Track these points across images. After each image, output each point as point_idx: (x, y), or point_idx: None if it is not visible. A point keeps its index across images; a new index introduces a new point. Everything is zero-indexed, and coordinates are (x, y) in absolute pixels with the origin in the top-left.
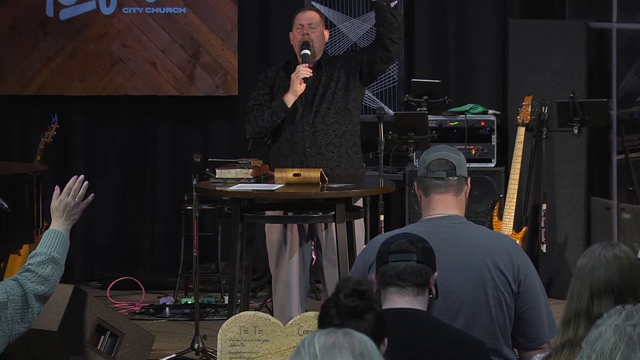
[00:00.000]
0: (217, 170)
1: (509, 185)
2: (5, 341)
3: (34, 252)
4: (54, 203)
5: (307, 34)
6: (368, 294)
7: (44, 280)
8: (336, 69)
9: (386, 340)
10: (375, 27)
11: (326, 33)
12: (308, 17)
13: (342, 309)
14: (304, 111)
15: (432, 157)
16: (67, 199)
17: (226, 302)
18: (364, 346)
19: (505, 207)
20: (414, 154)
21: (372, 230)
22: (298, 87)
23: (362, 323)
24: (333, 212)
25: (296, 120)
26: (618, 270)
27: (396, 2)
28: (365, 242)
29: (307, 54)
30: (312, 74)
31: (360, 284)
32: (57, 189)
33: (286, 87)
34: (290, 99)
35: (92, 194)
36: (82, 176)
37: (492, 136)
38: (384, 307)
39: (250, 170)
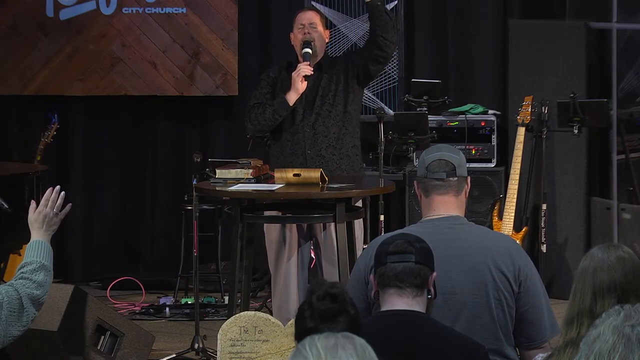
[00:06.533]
0: (217, 171)
1: (509, 185)
2: None
3: (23, 262)
4: (32, 215)
5: (309, 33)
6: (341, 296)
7: (39, 286)
8: (336, 71)
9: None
10: (370, 27)
11: (327, 33)
12: (309, 17)
13: (315, 311)
14: (304, 113)
15: (432, 158)
16: (45, 210)
17: (226, 302)
18: (366, 348)
19: (505, 207)
20: (414, 154)
21: (372, 231)
22: (300, 85)
23: (335, 326)
24: (333, 212)
25: (297, 122)
26: (622, 271)
27: (396, 2)
28: (365, 242)
29: (308, 52)
30: (313, 72)
31: (333, 287)
32: (32, 203)
33: (288, 86)
34: (292, 97)
35: (70, 204)
36: (58, 187)
37: (492, 136)
38: (383, 308)
39: (250, 171)
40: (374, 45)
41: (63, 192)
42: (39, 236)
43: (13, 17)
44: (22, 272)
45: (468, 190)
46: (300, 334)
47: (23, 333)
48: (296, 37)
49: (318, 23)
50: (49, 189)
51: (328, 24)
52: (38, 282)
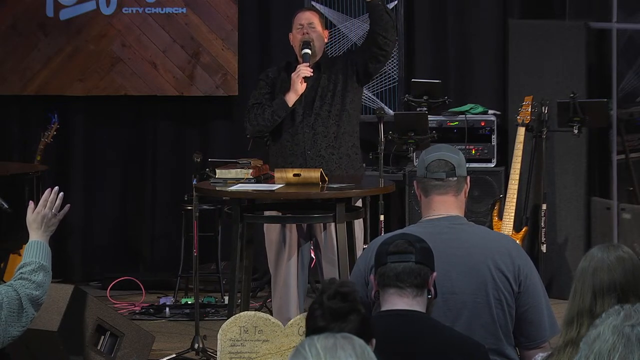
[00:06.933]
0: (217, 171)
1: (509, 185)
2: None
3: (22, 262)
4: (31, 216)
5: (307, 33)
6: (351, 295)
7: (38, 286)
8: (335, 70)
9: (374, 341)
10: (370, 26)
11: (325, 33)
12: (308, 17)
13: (326, 310)
14: (304, 113)
15: (431, 158)
16: (44, 211)
17: (226, 302)
18: (365, 348)
19: (505, 207)
20: (414, 154)
21: (372, 231)
22: (299, 86)
23: (345, 325)
24: (333, 212)
25: (296, 122)
26: (622, 271)
27: (396, 2)
28: (365, 242)
29: (307, 53)
30: (312, 73)
31: (343, 286)
32: (31, 203)
33: (287, 87)
34: (291, 98)
35: (68, 205)
36: (56, 188)
37: (492, 136)
38: (383, 308)
39: (250, 171)
40: (373, 44)
41: (62, 193)
42: (37, 237)
43: (13, 17)
44: (21, 273)
45: (468, 190)
46: (311, 334)
47: (22, 333)
48: (295, 38)
49: (317, 23)
50: (48, 190)
51: (328, 24)
52: (37, 283)
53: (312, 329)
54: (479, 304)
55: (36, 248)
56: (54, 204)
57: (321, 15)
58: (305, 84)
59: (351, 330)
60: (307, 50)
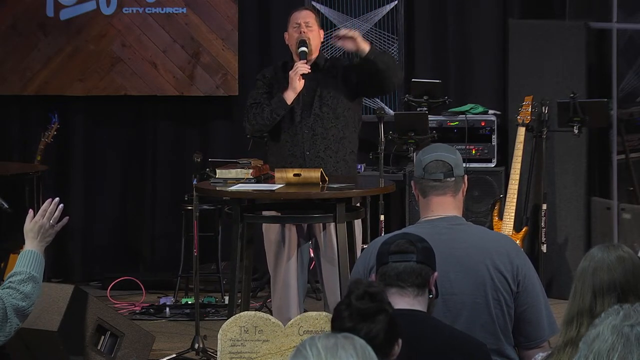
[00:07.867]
0: (218, 171)
1: (509, 185)
2: None
3: (13, 271)
4: (28, 225)
5: (304, 32)
6: (379, 295)
7: (25, 297)
8: (335, 74)
9: (400, 341)
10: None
11: (321, 33)
12: (304, 16)
13: (354, 311)
14: (302, 114)
15: (429, 159)
16: (42, 221)
17: (226, 302)
18: (366, 348)
19: (506, 207)
20: (414, 154)
21: (372, 231)
22: (297, 84)
23: (374, 325)
24: (333, 213)
25: (295, 123)
26: (622, 271)
27: (396, 2)
28: (365, 242)
29: (304, 51)
30: (310, 71)
31: (372, 286)
32: (30, 212)
33: (285, 86)
34: (290, 96)
35: (67, 217)
36: (57, 199)
37: (493, 136)
38: None
39: (251, 171)
40: (376, 86)
41: (61, 205)
42: (32, 246)
43: (13, 17)
44: (10, 282)
45: (465, 189)
46: None
47: (4, 343)
48: (291, 36)
49: (313, 22)
50: (48, 200)
51: (328, 24)
52: (25, 294)
53: (339, 329)
54: (478, 304)
55: (29, 258)
56: (53, 215)
57: (317, 15)
58: (303, 81)
59: (379, 331)
60: (304, 48)
